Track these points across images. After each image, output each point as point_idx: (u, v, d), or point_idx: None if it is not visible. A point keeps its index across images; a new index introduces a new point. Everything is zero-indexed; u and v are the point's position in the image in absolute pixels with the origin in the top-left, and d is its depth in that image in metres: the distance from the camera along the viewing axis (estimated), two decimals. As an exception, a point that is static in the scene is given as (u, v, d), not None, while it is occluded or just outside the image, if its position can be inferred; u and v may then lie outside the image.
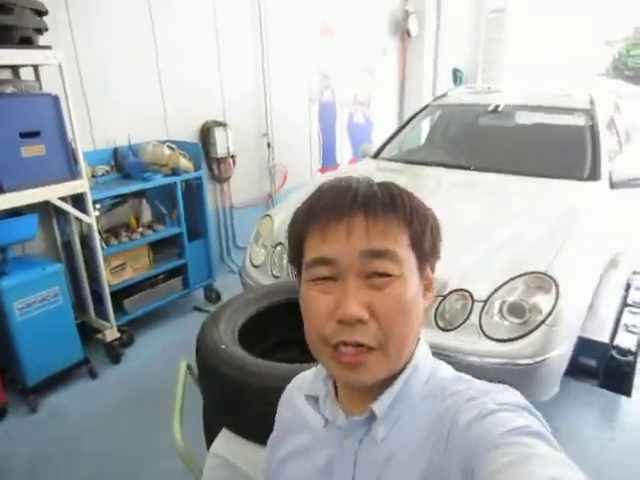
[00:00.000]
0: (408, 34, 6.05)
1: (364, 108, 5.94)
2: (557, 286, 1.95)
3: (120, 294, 3.21)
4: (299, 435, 0.74)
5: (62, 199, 2.73)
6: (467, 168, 3.17)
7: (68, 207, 2.77)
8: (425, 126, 4.48)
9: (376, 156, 3.66)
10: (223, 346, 1.42)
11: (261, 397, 1.28)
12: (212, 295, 3.86)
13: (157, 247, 3.46)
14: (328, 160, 5.52)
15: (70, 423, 2.56)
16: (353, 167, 3.73)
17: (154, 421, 2.49)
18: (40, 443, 2.43)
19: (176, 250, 3.57)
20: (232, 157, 4.21)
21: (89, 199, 2.83)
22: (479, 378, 1.95)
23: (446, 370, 0.68)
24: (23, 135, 2.51)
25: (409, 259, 0.61)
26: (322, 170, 5.45)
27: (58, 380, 2.79)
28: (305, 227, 0.64)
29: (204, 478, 1.47)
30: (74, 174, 2.75)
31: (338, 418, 0.68)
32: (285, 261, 2.54)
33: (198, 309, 3.76)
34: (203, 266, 3.78)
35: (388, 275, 0.59)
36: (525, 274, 2.00)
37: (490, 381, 0.64)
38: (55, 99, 2.65)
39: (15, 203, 2.49)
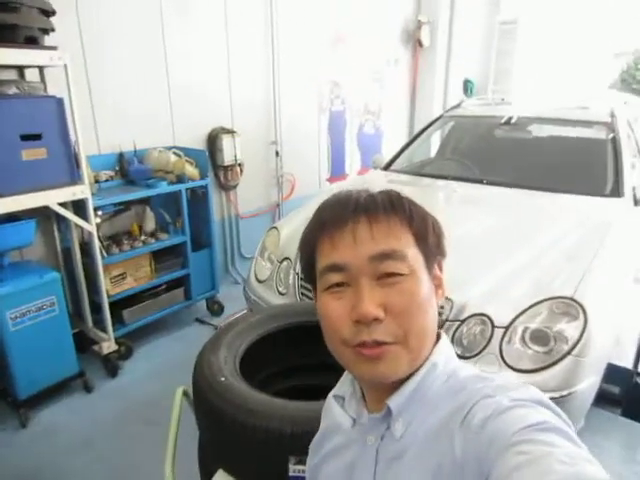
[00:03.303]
0: (420, 44, 5.96)
1: (374, 118, 5.85)
2: (585, 313, 1.81)
3: (119, 304, 3.10)
4: (333, 438, 0.76)
5: (62, 205, 2.63)
6: (480, 182, 3.05)
7: (68, 213, 2.67)
8: (436, 138, 4.39)
9: (387, 168, 3.55)
10: (222, 378, 1.30)
11: (263, 439, 1.16)
12: (215, 307, 3.74)
13: (160, 256, 3.35)
14: (337, 170, 5.41)
15: (62, 439, 2.44)
16: (362, 177, 3.62)
17: (150, 440, 2.35)
18: (29, 460, 2.31)
19: (179, 260, 3.46)
20: (239, 165, 4.11)
21: (90, 206, 2.73)
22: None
23: (467, 370, 0.67)
24: (24, 138, 2.43)
25: (416, 256, 0.63)
26: (331, 180, 5.35)
27: (51, 393, 2.67)
28: (314, 240, 0.67)
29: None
30: (75, 179, 2.66)
31: (362, 416, 0.69)
32: (291, 278, 2.42)
33: (200, 321, 3.64)
34: (206, 277, 3.67)
35: (398, 274, 0.61)
36: (550, 299, 1.87)
37: None
38: (59, 101, 2.57)
39: (12, 208, 2.39)
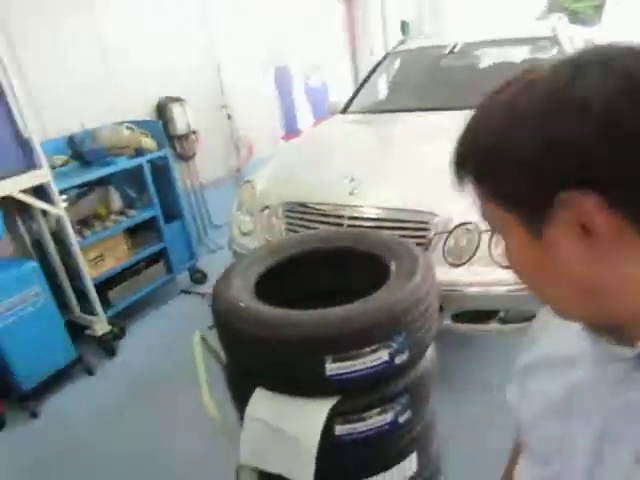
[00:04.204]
0: (353, -11, 5.91)
1: (318, 71, 5.80)
2: None
3: (103, 287, 3.05)
4: (553, 343, 0.64)
5: (24, 193, 2.53)
6: (437, 109, 3.11)
7: (34, 200, 2.57)
8: (382, 81, 4.41)
9: (344, 111, 3.57)
10: (242, 304, 1.34)
11: (295, 348, 1.22)
12: (197, 276, 3.73)
13: (133, 233, 3.30)
14: (290, 127, 5.39)
15: (74, 424, 2.43)
16: (320, 127, 3.62)
17: (158, 410, 2.42)
18: (45, 449, 2.30)
19: (153, 234, 3.41)
20: (194, 133, 4.04)
21: (54, 188, 2.64)
22: (501, 308, 1.87)
23: None
24: (-34, 128, 2.30)
25: (493, 214, 0.51)
26: (285, 137, 5.32)
27: (55, 382, 2.64)
28: None
29: (244, 445, 1.40)
30: (33, 163, 2.55)
31: (601, 342, 0.55)
32: (275, 223, 2.45)
33: (186, 292, 3.63)
34: (183, 247, 3.64)
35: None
36: None
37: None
38: (-4, 83, 2.43)
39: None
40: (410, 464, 1.49)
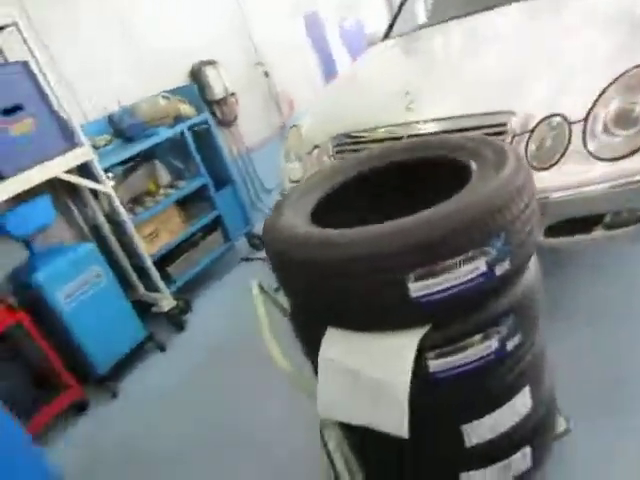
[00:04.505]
0: None
1: (350, 10, 5.41)
2: None
3: (163, 263, 2.98)
4: None
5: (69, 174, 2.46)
6: (486, 9, 2.67)
7: (79, 179, 2.50)
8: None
9: (386, 36, 3.22)
10: (299, 230, 1.14)
11: (365, 269, 0.99)
12: (255, 241, 3.60)
13: (186, 204, 3.20)
14: (330, 73, 5.06)
15: (153, 399, 2.39)
16: (362, 57, 3.26)
17: (234, 379, 2.31)
18: (129, 426, 2.28)
19: (206, 203, 3.29)
20: (232, 95, 3.85)
21: (97, 166, 2.56)
22: (607, 210, 1.43)
23: None
24: (5, 112, 2.22)
25: None
26: (326, 89, 5.02)
27: (129, 361, 2.63)
28: None
29: (321, 397, 1.20)
30: (74, 142, 2.47)
31: None
32: (325, 160, 2.22)
33: (246, 259, 3.51)
34: (238, 214, 3.51)
35: None
36: (623, 74, 1.61)
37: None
38: (25, 65, 2.34)
39: (18, 189, 2.20)
40: (524, 399, 1.24)
